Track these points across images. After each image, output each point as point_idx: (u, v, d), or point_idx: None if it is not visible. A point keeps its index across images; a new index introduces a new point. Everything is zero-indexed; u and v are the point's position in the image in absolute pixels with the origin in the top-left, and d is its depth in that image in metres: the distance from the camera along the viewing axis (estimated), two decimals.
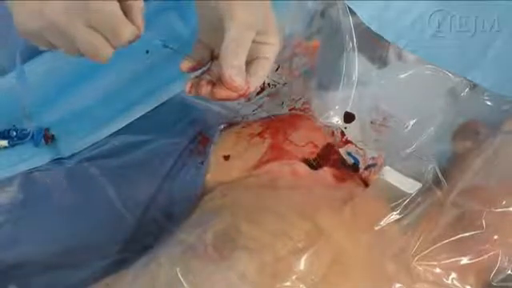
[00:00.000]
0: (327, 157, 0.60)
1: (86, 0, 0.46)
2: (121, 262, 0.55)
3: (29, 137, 0.63)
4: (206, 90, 0.54)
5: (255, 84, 0.54)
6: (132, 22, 0.50)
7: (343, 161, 0.62)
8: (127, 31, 0.49)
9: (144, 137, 0.62)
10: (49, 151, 0.63)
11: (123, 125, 0.63)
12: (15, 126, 0.64)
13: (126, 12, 0.50)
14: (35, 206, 0.59)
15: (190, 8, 0.57)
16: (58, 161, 0.62)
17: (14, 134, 0.63)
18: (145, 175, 0.59)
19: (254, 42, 0.53)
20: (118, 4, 0.48)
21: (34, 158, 0.62)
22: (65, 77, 0.65)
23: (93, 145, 0.62)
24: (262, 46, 0.54)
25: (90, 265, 0.58)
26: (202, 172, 0.60)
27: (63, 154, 0.62)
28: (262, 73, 0.55)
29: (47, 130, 0.64)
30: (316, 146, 0.61)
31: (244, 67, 0.53)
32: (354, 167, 0.62)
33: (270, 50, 0.55)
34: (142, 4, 0.51)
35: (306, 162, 0.59)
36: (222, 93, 0.53)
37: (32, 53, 0.64)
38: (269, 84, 0.67)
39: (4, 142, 0.63)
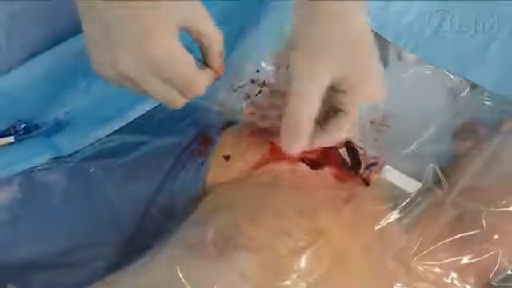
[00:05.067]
0: (327, 157, 0.60)
1: (156, 54, 0.45)
2: (121, 262, 0.55)
3: (38, 130, 0.63)
4: None
5: (325, 142, 0.52)
6: (209, 65, 0.50)
7: (343, 161, 0.62)
8: (201, 82, 0.49)
9: (144, 137, 0.62)
10: (49, 149, 0.62)
11: (123, 124, 0.63)
12: (21, 120, 0.64)
13: (203, 55, 0.50)
14: (35, 205, 0.59)
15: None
16: (57, 160, 0.62)
17: (22, 126, 0.63)
18: (145, 175, 0.59)
19: (337, 91, 0.49)
20: (189, 57, 0.47)
21: (34, 157, 0.62)
22: (65, 75, 0.65)
23: (93, 144, 0.62)
24: (342, 96, 0.50)
25: (90, 265, 0.58)
26: (202, 172, 0.59)
27: (63, 153, 0.62)
28: (337, 130, 0.51)
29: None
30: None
31: (307, 124, 0.49)
32: (355, 155, 0.62)
33: (350, 102, 0.49)
34: (220, 46, 0.50)
35: (307, 162, 0.59)
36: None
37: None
38: (269, 84, 0.67)
39: (10, 138, 0.63)
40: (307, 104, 0.48)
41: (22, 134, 0.63)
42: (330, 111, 0.51)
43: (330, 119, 0.51)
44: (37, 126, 0.64)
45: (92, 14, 0.47)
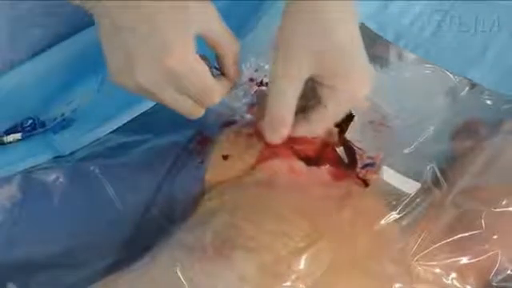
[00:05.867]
0: (324, 155, 0.60)
1: (172, 65, 0.46)
2: (121, 262, 0.55)
3: (45, 127, 0.63)
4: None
5: (305, 132, 0.54)
6: (225, 74, 0.51)
7: (340, 159, 0.61)
8: (216, 91, 0.50)
9: (144, 135, 0.62)
10: (49, 149, 0.62)
11: (123, 123, 0.63)
12: (28, 117, 0.64)
13: (219, 64, 0.51)
14: (35, 205, 0.59)
15: None
16: (57, 159, 0.62)
17: (29, 122, 0.64)
18: (144, 175, 0.59)
19: (318, 83, 0.51)
20: (204, 66, 0.48)
21: (34, 156, 0.62)
22: (66, 74, 0.65)
23: (92, 143, 0.62)
24: (323, 90, 0.51)
25: (90, 265, 0.57)
26: (201, 172, 0.59)
27: (63, 152, 0.62)
28: (317, 122, 0.53)
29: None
30: (313, 143, 0.60)
31: (286, 119, 0.52)
32: (352, 154, 0.62)
33: (331, 96, 0.51)
34: (235, 56, 0.51)
35: (303, 159, 0.59)
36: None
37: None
38: (267, 83, 0.66)
39: (17, 135, 0.63)
40: (283, 102, 0.51)
41: (29, 131, 0.64)
42: (317, 102, 0.53)
43: (311, 111, 0.53)
44: (43, 124, 0.64)
45: (110, 28, 0.47)
